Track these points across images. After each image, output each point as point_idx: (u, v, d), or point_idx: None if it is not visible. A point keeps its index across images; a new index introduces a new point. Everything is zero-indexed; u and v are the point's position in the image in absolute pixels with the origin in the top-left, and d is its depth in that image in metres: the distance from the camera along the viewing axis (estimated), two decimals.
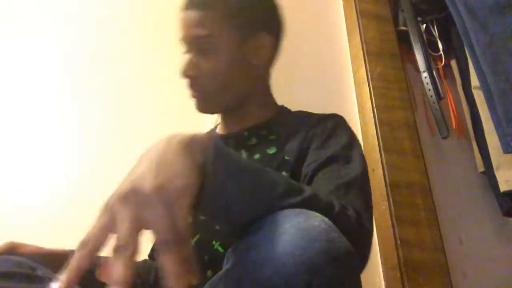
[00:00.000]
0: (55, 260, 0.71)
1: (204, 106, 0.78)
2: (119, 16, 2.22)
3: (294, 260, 0.44)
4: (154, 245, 0.93)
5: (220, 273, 0.51)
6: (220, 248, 0.70)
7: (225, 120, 0.84)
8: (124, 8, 2.19)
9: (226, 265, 0.51)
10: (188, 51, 0.73)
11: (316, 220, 0.49)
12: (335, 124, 0.77)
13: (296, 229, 0.47)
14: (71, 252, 0.76)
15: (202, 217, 0.68)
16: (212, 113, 0.83)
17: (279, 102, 1.23)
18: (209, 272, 0.71)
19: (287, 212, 0.52)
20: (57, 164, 1.19)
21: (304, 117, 0.79)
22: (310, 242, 0.45)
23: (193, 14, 0.71)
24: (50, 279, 0.61)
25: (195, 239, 0.77)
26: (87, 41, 2.15)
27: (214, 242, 0.70)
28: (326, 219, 0.49)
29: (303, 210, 0.51)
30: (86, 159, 1.20)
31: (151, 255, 0.93)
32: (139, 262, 0.90)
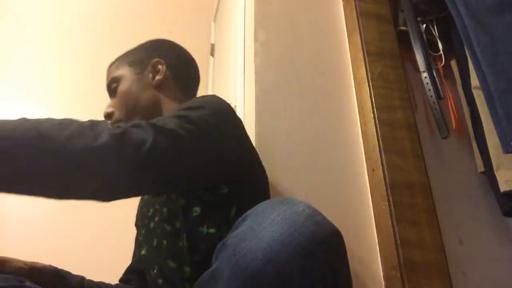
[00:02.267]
0: (38, 275, 0.76)
1: None
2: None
3: (285, 247, 0.46)
4: (128, 269, 0.95)
5: (209, 271, 0.52)
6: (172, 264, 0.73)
7: None
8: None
9: (215, 262, 0.51)
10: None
11: (300, 206, 0.51)
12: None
13: (282, 218, 0.49)
14: (50, 266, 0.79)
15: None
16: None
17: (280, 100, 1.23)
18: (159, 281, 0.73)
19: (270, 202, 0.55)
20: None
21: None
22: (298, 228, 0.48)
23: (107, 71, 0.99)
24: None
25: (143, 251, 0.79)
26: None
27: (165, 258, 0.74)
28: (309, 204, 0.53)
29: (286, 198, 0.55)
30: None
31: (126, 279, 0.94)
32: (112, 285, 0.91)
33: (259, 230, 0.49)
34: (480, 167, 1.22)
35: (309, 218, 0.49)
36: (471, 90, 1.22)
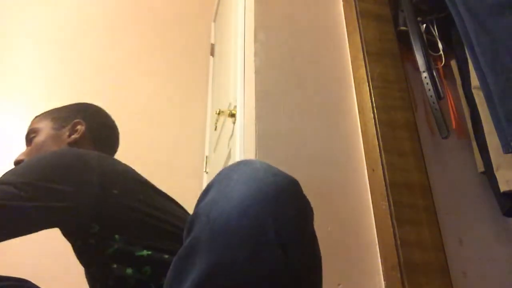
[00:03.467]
0: None
1: None
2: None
3: (255, 199, 0.51)
4: None
5: (185, 244, 0.52)
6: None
7: None
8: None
9: (189, 235, 0.52)
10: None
11: (257, 163, 0.58)
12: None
13: (245, 176, 0.54)
14: None
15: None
16: None
17: (280, 100, 1.23)
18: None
19: (228, 167, 0.59)
20: None
21: None
22: (261, 180, 0.53)
23: (32, 121, 1.03)
24: None
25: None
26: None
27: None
28: (261, 160, 0.60)
29: (241, 161, 0.60)
30: None
31: None
32: None
33: (227, 191, 0.53)
34: (480, 167, 1.22)
35: (267, 171, 0.55)
36: (471, 90, 1.22)
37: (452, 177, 1.21)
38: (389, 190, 1.05)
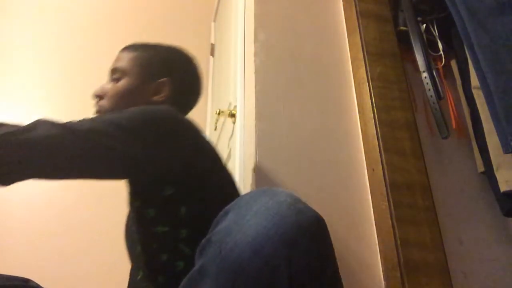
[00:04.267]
0: None
1: None
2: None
3: (270, 239, 0.47)
4: None
5: (195, 269, 0.51)
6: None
7: None
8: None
9: (199, 259, 0.51)
10: (108, 80, 0.96)
11: (282, 196, 0.52)
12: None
13: (265, 209, 0.50)
14: None
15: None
16: None
17: (280, 100, 1.23)
18: (160, 278, 0.75)
19: (251, 194, 0.56)
20: None
21: None
22: (281, 219, 0.48)
23: (120, 53, 0.99)
24: None
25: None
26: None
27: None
28: (290, 192, 0.54)
29: (267, 189, 0.55)
30: None
31: None
32: None
33: (243, 224, 0.49)
34: (480, 167, 1.22)
35: (291, 207, 0.50)
36: (471, 90, 1.22)
37: (452, 177, 1.21)
38: (389, 190, 1.05)
